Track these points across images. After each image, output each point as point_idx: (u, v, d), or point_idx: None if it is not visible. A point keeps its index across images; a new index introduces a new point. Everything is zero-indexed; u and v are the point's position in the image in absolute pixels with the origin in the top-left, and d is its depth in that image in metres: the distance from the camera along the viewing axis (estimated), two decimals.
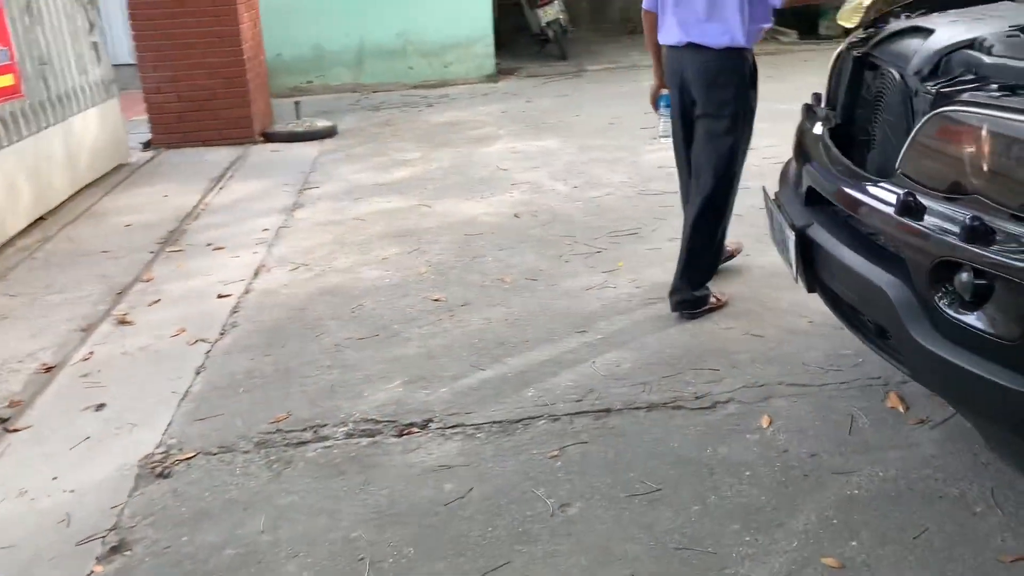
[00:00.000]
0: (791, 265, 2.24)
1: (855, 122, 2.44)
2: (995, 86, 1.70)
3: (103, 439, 2.73)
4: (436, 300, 3.60)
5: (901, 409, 2.54)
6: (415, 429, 2.66)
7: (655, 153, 5.81)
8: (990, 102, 1.65)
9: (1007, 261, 1.53)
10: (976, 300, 1.61)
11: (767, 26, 3.10)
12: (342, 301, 3.66)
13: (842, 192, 2.05)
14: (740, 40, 3.01)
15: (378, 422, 2.72)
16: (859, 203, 1.95)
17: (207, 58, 6.53)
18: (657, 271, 3.73)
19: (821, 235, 2.10)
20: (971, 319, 1.61)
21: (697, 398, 2.70)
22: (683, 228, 3.27)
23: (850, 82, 2.46)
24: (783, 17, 11.06)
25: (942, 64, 1.93)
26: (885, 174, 2.09)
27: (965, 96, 1.72)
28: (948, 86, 1.79)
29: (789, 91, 6.26)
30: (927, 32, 2.10)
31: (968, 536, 2.01)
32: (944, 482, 2.20)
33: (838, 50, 2.61)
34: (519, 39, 10.96)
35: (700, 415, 2.61)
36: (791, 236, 2.17)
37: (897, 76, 2.10)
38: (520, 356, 3.07)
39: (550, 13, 10.00)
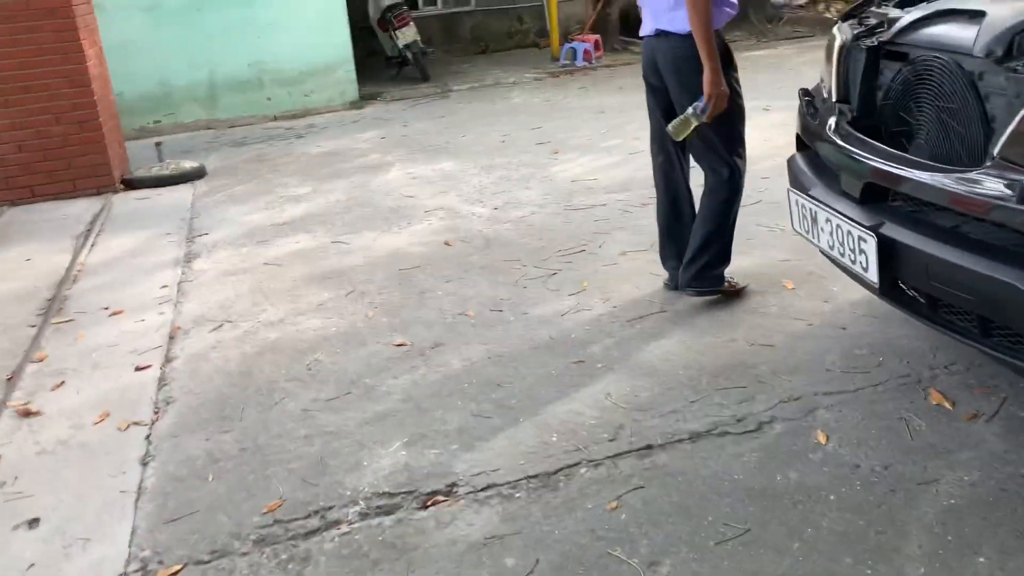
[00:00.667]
0: (865, 268, 2.09)
1: (874, 113, 2.35)
2: None
3: (51, 563, 2.21)
4: (400, 345, 3.24)
5: (948, 406, 2.46)
6: (441, 497, 2.32)
7: (560, 166, 5.68)
8: None
9: None
10: None
11: (732, 11, 3.01)
12: (291, 358, 3.23)
13: (932, 187, 1.92)
14: None
15: (393, 495, 2.35)
16: (959, 197, 1.83)
17: (53, 101, 5.80)
18: (626, 287, 3.54)
19: (904, 234, 1.97)
20: None
21: (738, 421, 2.51)
22: (697, 212, 3.29)
23: (865, 74, 2.36)
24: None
25: (1016, 43, 1.83)
26: (946, 162, 1.99)
27: None
28: None
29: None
30: (974, 14, 2.01)
31: None
32: None
33: (839, 43, 2.52)
34: (372, 63, 10.62)
35: (750, 440, 2.42)
36: (870, 238, 2.02)
37: (949, 61, 2.00)
38: (523, 397, 2.78)
39: (408, 35, 9.73)
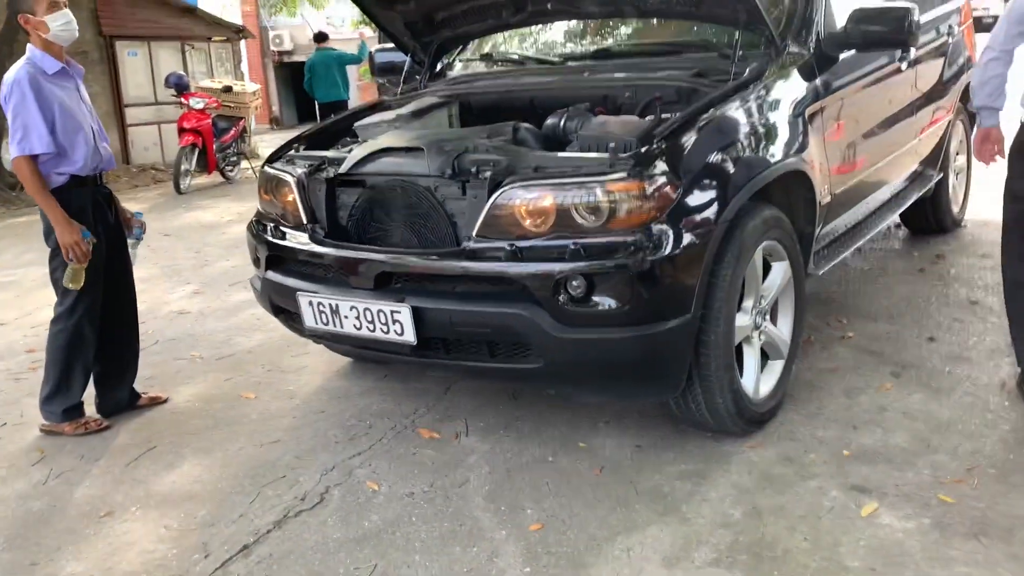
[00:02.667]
0: (400, 333, 2.72)
1: (340, 227, 3.06)
2: (530, 168, 2.65)
3: None
4: None
5: (437, 436, 3.24)
6: None
7: None
8: (549, 178, 2.60)
9: (609, 263, 2.51)
10: (588, 294, 2.53)
11: (72, 168, 3.31)
12: None
13: (441, 265, 2.69)
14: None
15: None
16: (467, 268, 2.65)
17: None
18: (91, 441, 3.41)
19: (425, 301, 2.69)
20: (596, 307, 2.53)
21: (302, 500, 2.85)
22: None
23: (328, 199, 3.05)
24: None
25: (456, 165, 2.76)
26: (422, 245, 2.83)
27: (520, 178, 2.62)
28: (496, 174, 2.65)
29: None
30: (412, 149, 2.90)
31: (573, 483, 2.90)
32: (521, 453, 3.03)
33: (294, 179, 3.14)
34: None
35: (323, 509, 2.79)
36: (405, 308, 2.68)
37: (410, 182, 2.84)
38: (74, 563, 2.58)
39: None
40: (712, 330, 2.71)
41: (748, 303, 2.94)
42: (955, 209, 5.30)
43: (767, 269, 3.05)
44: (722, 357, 2.74)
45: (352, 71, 10.97)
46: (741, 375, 2.92)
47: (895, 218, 5.33)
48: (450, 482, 2.90)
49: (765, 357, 3.11)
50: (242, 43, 16.30)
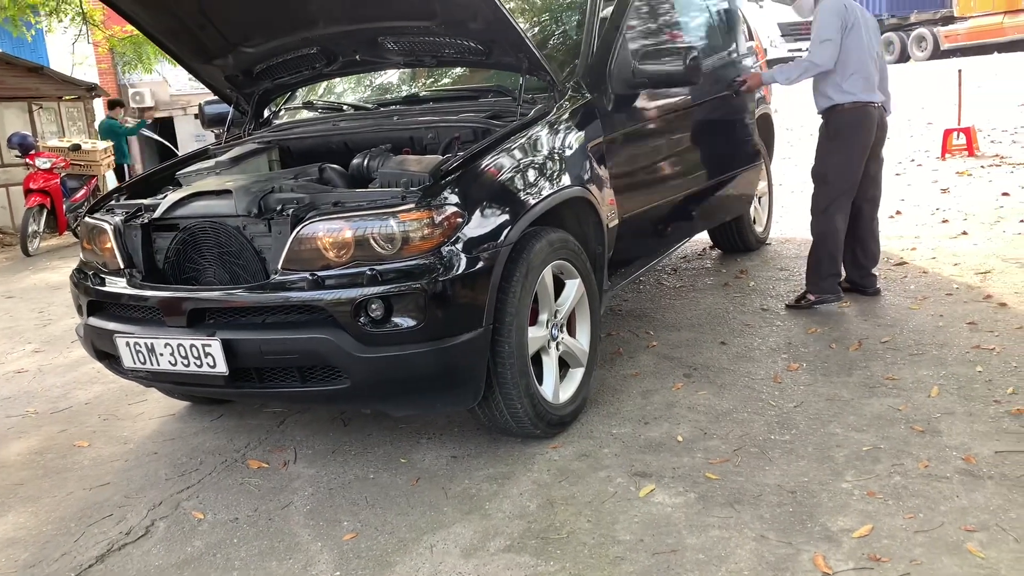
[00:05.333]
0: (213, 365, 2.86)
1: (157, 269, 3.20)
2: (330, 204, 2.88)
3: None
4: None
5: (266, 465, 3.38)
6: None
7: None
8: (347, 211, 2.82)
9: (404, 285, 2.74)
10: (386, 316, 2.76)
11: None
12: None
13: (255, 298, 2.86)
14: None
15: None
16: (272, 301, 2.83)
17: None
18: None
19: (236, 334, 2.86)
20: (394, 327, 2.76)
21: (127, 534, 2.93)
22: None
23: (144, 244, 3.20)
24: None
25: (262, 204, 2.97)
26: (235, 281, 3.01)
27: (321, 213, 2.84)
28: (298, 211, 2.87)
29: None
30: (221, 192, 3.09)
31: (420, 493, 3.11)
32: (345, 474, 3.21)
33: (111, 227, 3.26)
34: None
35: (147, 540, 2.89)
36: (215, 342, 2.83)
37: (220, 222, 3.02)
38: None
39: None
40: (505, 341, 2.98)
41: (543, 317, 3.24)
42: (759, 229, 5.85)
43: (562, 286, 3.37)
44: (517, 365, 3.02)
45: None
46: (541, 383, 3.21)
47: (707, 239, 5.86)
48: (274, 506, 3.05)
49: (566, 366, 3.42)
50: (96, 101, 15.96)
